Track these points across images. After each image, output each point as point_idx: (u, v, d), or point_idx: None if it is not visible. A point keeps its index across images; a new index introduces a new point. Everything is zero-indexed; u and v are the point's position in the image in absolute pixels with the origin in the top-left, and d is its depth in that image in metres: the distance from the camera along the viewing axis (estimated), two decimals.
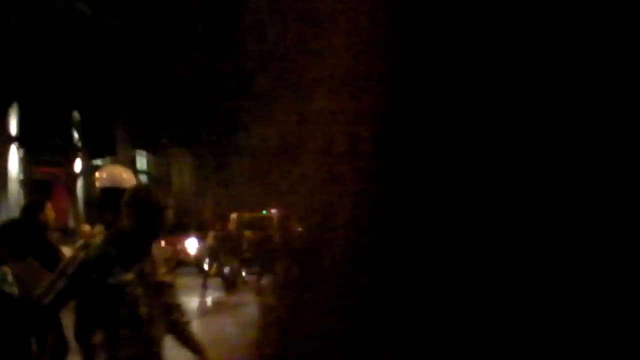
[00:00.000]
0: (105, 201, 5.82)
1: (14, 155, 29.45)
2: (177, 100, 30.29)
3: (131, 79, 28.40)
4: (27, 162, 30.09)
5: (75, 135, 31.03)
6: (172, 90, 29.77)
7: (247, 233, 25.12)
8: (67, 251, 6.50)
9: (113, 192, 5.71)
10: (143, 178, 39.95)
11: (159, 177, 39.79)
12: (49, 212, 5.55)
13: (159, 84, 29.26)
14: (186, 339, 4.81)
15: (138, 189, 5.37)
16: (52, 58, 26.16)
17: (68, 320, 5.58)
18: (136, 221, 4.60)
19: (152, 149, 38.66)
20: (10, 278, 3.08)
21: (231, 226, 24.53)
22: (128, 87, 28.54)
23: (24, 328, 3.63)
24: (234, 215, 26.37)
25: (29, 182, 29.83)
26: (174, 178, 40.74)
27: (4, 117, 28.81)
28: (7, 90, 27.14)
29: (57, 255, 6.21)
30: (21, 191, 28.57)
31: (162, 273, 4.76)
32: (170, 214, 4.93)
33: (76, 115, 30.88)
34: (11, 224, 6.25)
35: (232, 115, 31.35)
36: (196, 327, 6.63)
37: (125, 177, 5.92)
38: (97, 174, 6.03)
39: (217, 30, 30.31)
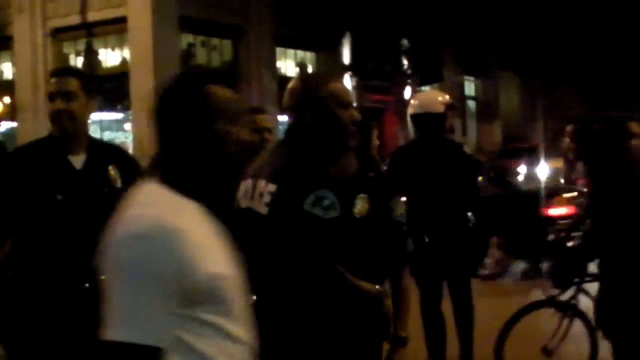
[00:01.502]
0: (416, 126, 5.80)
1: (347, 83, 30.54)
2: (503, 24, 29.49)
3: (458, 4, 28.08)
4: (359, 90, 31.06)
5: (405, 62, 31.50)
6: (498, 14, 29.02)
7: None
8: None
9: (422, 118, 5.66)
10: (471, 103, 39.81)
11: (486, 102, 39.39)
12: (373, 140, 5.55)
13: (485, 8, 28.65)
14: None
15: None
16: None
17: None
18: None
19: (479, 74, 38.27)
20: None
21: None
22: (455, 13, 28.29)
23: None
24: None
25: (361, 108, 30.79)
26: (501, 102, 40.06)
27: (337, 46, 29.92)
28: (340, 21, 28.10)
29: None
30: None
31: None
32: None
33: (405, 42, 31.28)
34: None
35: (560, 36, 30.04)
36: None
37: (437, 102, 5.88)
38: (410, 101, 6.06)
39: None
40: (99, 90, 24.74)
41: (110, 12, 24.20)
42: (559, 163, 24.79)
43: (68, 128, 4.00)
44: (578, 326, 6.07)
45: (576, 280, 5.86)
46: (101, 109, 24.87)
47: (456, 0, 28.01)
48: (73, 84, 4.02)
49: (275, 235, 3.05)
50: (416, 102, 6.03)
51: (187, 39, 25.38)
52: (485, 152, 27.68)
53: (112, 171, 4.06)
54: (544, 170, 26.07)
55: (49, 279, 3.91)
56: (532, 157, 26.99)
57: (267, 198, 3.09)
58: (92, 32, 25.08)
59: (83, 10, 24.62)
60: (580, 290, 5.95)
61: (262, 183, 3.10)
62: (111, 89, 24.69)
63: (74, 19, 24.87)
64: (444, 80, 34.07)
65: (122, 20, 23.84)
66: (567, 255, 5.51)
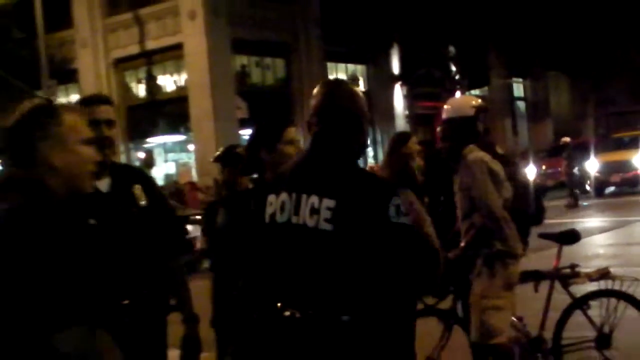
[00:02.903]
0: (447, 130, 5.81)
1: (398, 93, 30.72)
2: (548, 25, 29.37)
3: (501, 9, 28.06)
4: (410, 98, 31.22)
5: (453, 68, 31.54)
6: (542, 15, 28.91)
7: None
8: None
9: (454, 121, 5.71)
10: (520, 104, 39.63)
11: (536, 102, 39.16)
12: (412, 146, 5.67)
13: (529, 11, 28.57)
14: None
15: None
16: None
17: None
18: None
19: (527, 75, 38.08)
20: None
21: None
22: (500, 18, 28.27)
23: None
24: None
25: (413, 116, 31.00)
26: (551, 102, 39.78)
27: (386, 57, 30.12)
28: (387, 33, 28.31)
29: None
30: (407, 125, 29.77)
31: None
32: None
33: (452, 49, 31.35)
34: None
35: (605, 33, 29.79)
36: None
37: (468, 106, 5.87)
38: (444, 107, 6.02)
39: None
40: (161, 114, 25.47)
41: (167, 40, 24.84)
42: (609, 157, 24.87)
43: (108, 154, 3.89)
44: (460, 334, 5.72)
45: (451, 288, 5.71)
46: (164, 132, 25.54)
47: (499, 5, 27.98)
48: (111, 111, 3.97)
49: (356, 251, 2.81)
50: (448, 106, 6.04)
51: (241, 60, 25.86)
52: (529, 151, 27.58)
53: (136, 191, 3.99)
54: (594, 164, 26.11)
55: None
56: (582, 152, 26.95)
57: (326, 214, 2.82)
58: (151, 60, 25.77)
59: (142, 40, 25.31)
60: (458, 298, 5.74)
61: (313, 198, 2.86)
62: (172, 112, 25.31)
63: (134, 49, 25.58)
64: (491, 84, 34.08)
65: (179, 47, 24.44)
66: (450, 264, 5.16)
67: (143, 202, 3.94)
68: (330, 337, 2.80)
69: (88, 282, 2.40)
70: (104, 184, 3.82)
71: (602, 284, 5.70)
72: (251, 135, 4.36)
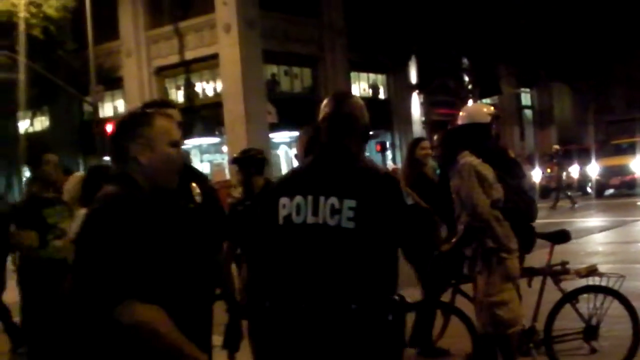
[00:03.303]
0: (463, 136, 5.79)
1: (415, 101, 30.66)
2: (553, 39, 29.17)
3: (512, 24, 27.92)
4: (426, 106, 31.16)
5: (466, 78, 31.44)
6: (547, 30, 28.71)
7: None
8: None
9: (470, 128, 5.69)
10: (527, 112, 39.40)
11: (541, 110, 38.96)
12: (420, 150, 5.68)
13: (536, 27, 28.39)
14: None
15: None
16: (442, 13, 26.62)
17: None
18: None
19: (534, 85, 37.88)
20: None
21: None
22: (510, 32, 28.12)
23: None
24: None
25: (429, 123, 30.93)
26: (555, 110, 39.51)
27: (405, 68, 30.09)
28: (406, 45, 28.30)
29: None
30: (423, 131, 29.72)
31: None
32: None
33: (465, 61, 31.24)
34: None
35: (605, 46, 29.56)
36: None
37: (483, 113, 5.83)
38: (459, 113, 5.99)
39: None
40: (197, 118, 25.61)
41: (204, 51, 25.00)
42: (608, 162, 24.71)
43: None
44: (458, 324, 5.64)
45: (453, 281, 5.63)
46: (200, 134, 25.71)
47: (510, 22, 27.85)
48: (179, 115, 3.87)
49: (376, 243, 2.86)
50: (464, 113, 5.96)
51: (271, 69, 25.95)
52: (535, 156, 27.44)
53: (195, 189, 3.92)
54: (594, 168, 25.95)
55: None
56: (584, 157, 26.83)
57: (349, 213, 2.82)
58: (189, 68, 25.95)
59: (181, 51, 25.49)
60: (457, 291, 5.68)
61: (332, 200, 2.85)
62: (208, 116, 25.44)
63: (174, 58, 25.77)
64: (502, 93, 33.89)
65: (215, 57, 24.59)
66: (442, 257, 5.19)
67: (198, 199, 3.93)
68: (347, 325, 2.80)
69: (160, 262, 2.45)
70: None
71: (590, 280, 5.66)
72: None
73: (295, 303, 2.84)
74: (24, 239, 6.06)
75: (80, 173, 7.05)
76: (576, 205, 21.83)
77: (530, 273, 5.67)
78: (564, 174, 24.06)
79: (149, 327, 2.36)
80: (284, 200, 2.94)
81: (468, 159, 5.14)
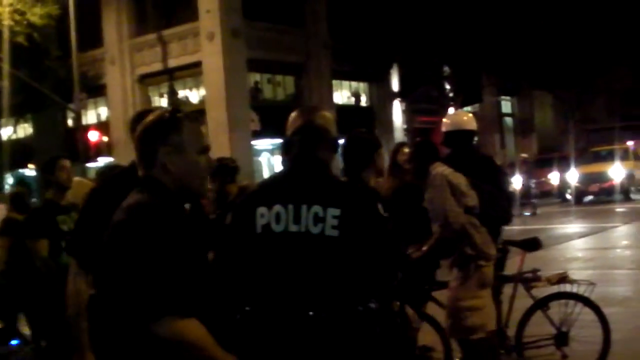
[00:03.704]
0: (448, 142, 5.87)
1: (397, 109, 30.76)
2: (535, 48, 29.39)
3: (493, 32, 28.09)
4: (408, 114, 31.27)
5: (448, 87, 31.57)
6: (530, 38, 28.93)
7: None
8: None
9: (455, 134, 5.76)
10: (508, 120, 39.60)
11: (522, 118, 39.19)
12: (400, 156, 5.74)
13: (518, 35, 28.58)
14: None
15: None
16: (424, 22, 26.75)
17: None
18: None
19: (515, 93, 38.11)
20: None
21: None
22: (491, 42, 28.30)
23: None
24: None
25: (411, 130, 31.02)
26: (536, 118, 39.75)
27: (387, 76, 30.20)
28: (388, 54, 28.41)
29: None
30: (405, 138, 29.79)
31: None
32: None
33: (447, 69, 31.38)
34: None
35: (589, 56, 29.83)
36: None
37: (466, 120, 5.92)
38: (443, 120, 6.07)
39: None
40: None
41: (188, 58, 24.97)
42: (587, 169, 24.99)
43: None
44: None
45: (426, 287, 5.66)
46: None
47: (491, 30, 28.02)
48: None
49: (358, 252, 2.89)
50: (448, 121, 6.05)
51: (254, 77, 25.96)
52: (516, 163, 27.65)
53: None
54: (574, 175, 26.15)
55: None
56: (563, 164, 27.09)
57: (333, 222, 2.85)
58: (173, 76, 25.91)
59: (165, 59, 25.45)
60: (429, 298, 5.71)
61: (316, 208, 2.87)
62: None
63: (157, 66, 25.72)
64: (483, 101, 34.08)
65: (198, 65, 24.56)
66: (414, 265, 5.18)
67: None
68: (335, 333, 2.82)
69: (192, 273, 2.41)
70: None
71: (561, 287, 5.73)
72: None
73: (278, 310, 2.85)
74: (40, 250, 5.86)
75: (78, 178, 6.98)
76: (538, 213, 22.07)
77: (501, 280, 5.73)
78: (533, 182, 24.51)
79: (190, 342, 2.34)
80: (261, 210, 2.94)
81: (439, 169, 5.19)
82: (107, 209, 3.30)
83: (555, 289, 5.73)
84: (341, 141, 3.36)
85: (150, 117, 2.65)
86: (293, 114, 3.17)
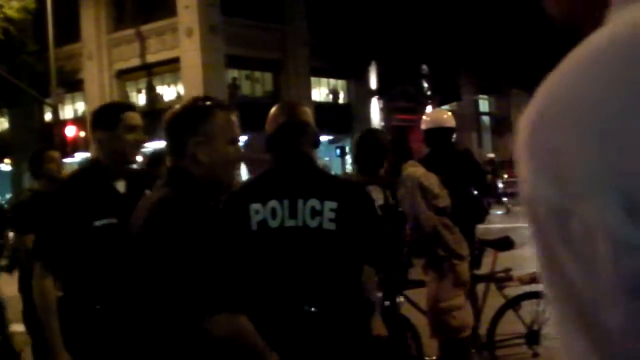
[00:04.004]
0: (429, 140, 5.91)
1: (375, 106, 30.81)
2: (512, 48, 29.55)
3: (471, 31, 28.21)
4: (386, 111, 31.33)
5: (425, 85, 31.68)
6: (509, 37, 29.09)
7: None
8: None
9: (435, 131, 5.81)
10: (485, 119, 39.81)
11: (500, 117, 39.40)
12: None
13: (497, 33, 28.73)
14: None
15: None
16: (403, 20, 26.81)
17: None
18: None
19: (492, 92, 38.33)
20: None
21: None
22: (469, 39, 28.42)
23: None
24: None
25: (388, 128, 31.08)
26: (513, 117, 40.00)
27: (365, 74, 30.24)
28: (367, 52, 28.45)
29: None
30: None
31: None
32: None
33: (425, 67, 31.49)
34: None
35: (562, 56, 30.05)
36: None
37: (445, 118, 5.97)
38: (423, 118, 6.11)
39: None
40: (159, 121, 25.43)
41: (166, 54, 24.85)
42: None
43: (137, 156, 3.78)
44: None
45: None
46: (161, 138, 25.49)
47: (469, 29, 28.13)
48: (139, 119, 3.73)
49: (354, 245, 2.92)
50: (428, 118, 6.10)
51: (232, 73, 25.88)
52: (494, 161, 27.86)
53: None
54: None
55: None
56: None
57: (330, 215, 2.85)
58: (151, 72, 25.78)
59: (142, 54, 25.31)
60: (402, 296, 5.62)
61: (313, 202, 2.86)
62: None
63: (135, 62, 25.57)
64: (461, 100, 34.23)
65: (176, 60, 24.46)
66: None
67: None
68: (337, 328, 2.83)
69: (233, 268, 2.39)
70: (121, 186, 3.66)
71: (532, 287, 5.76)
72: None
73: (278, 307, 2.84)
74: (25, 244, 5.70)
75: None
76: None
77: (474, 280, 5.76)
78: (499, 181, 24.89)
79: (241, 338, 2.34)
80: (255, 206, 2.93)
81: (411, 169, 5.20)
82: (70, 209, 3.44)
83: (527, 288, 5.76)
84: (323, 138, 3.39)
85: (179, 107, 2.62)
86: (274, 110, 3.17)
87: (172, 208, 2.40)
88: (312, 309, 2.82)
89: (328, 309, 2.84)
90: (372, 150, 4.42)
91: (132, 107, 3.91)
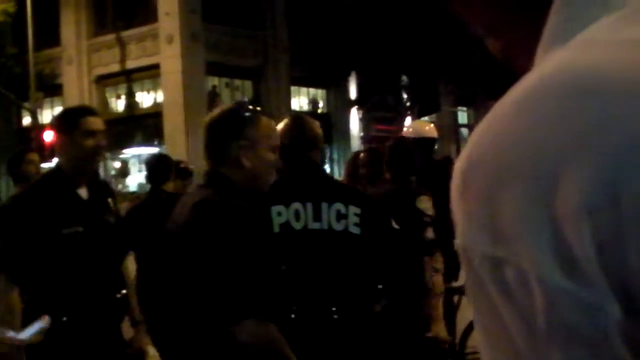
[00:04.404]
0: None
1: (354, 116, 30.87)
2: (490, 61, 29.76)
3: (451, 43, 28.35)
4: (365, 122, 31.41)
5: (405, 96, 31.77)
6: (486, 49, 29.28)
7: None
8: None
9: (417, 142, 5.84)
10: (464, 130, 40.00)
11: None
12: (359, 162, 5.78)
13: (476, 46, 28.89)
14: None
15: None
16: (383, 31, 26.91)
17: None
18: None
19: (471, 104, 38.52)
20: None
21: None
22: (450, 51, 28.55)
23: None
24: None
25: (367, 138, 31.16)
26: None
27: (345, 83, 30.30)
28: (346, 62, 28.50)
29: None
30: (362, 146, 29.91)
31: None
32: None
33: (405, 78, 31.58)
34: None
35: None
36: None
37: (427, 129, 6.02)
38: (404, 129, 6.16)
39: None
40: (137, 127, 25.34)
41: (146, 60, 24.74)
42: None
43: (100, 162, 3.75)
44: None
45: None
46: (139, 144, 25.38)
47: (449, 41, 28.29)
48: (102, 124, 3.68)
49: (376, 251, 3.00)
50: (411, 129, 6.17)
51: (212, 81, 25.82)
52: None
53: (111, 203, 3.77)
54: None
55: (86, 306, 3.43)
56: None
57: (355, 219, 2.90)
58: (130, 78, 25.65)
59: (122, 60, 25.19)
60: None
61: (338, 206, 2.90)
62: (147, 126, 25.18)
63: (115, 67, 25.44)
64: (440, 111, 34.38)
65: (156, 67, 24.34)
66: None
67: (112, 218, 3.79)
68: (361, 330, 2.86)
69: (264, 275, 2.36)
70: (83, 193, 3.60)
71: None
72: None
73: (304, 310, 2.85)
74: None
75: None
76: None
77: (448, 292, 5.77)
78: None
79: (268, 346, 2.31)
80: (277, 208, 2.95)
81: None
82: (35, 217, 3.39)
83: None
84: None
85: (220, 111, 2.61)
86: (286, 123, 3.25)
87: (216, 209, 2.39)
88: (335, 316, 2.82)
89: (351, 314, 2.85)
90: (404, 158, 4.45)
91: (92, 111, 3.84)
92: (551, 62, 0.55)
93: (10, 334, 2.69)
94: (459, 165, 0.56)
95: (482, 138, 0.55)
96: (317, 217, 2.91)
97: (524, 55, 0.65)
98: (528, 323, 0.51)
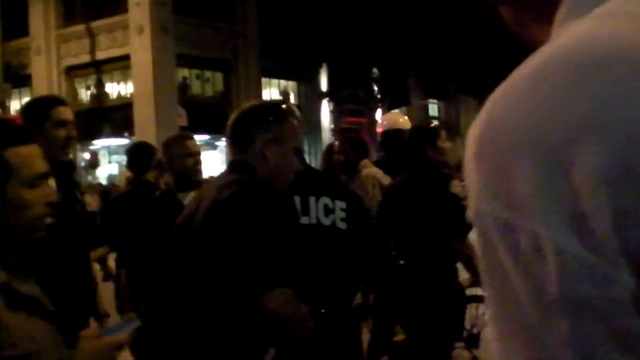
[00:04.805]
0: (385, 142, 5.94)
1: (325, 109, 30.89)
2: (461, 54, 29.95)
3: (421, 36, 28.47)
4: (336, 114, 31.42)
5: (375, 88, 31.87)
6: (457, 43, 29.45)
7: None
8: None
9: (391, 133, 5.84)
10: (435, 123, 40.23)
11: (448, 122, 39.86)
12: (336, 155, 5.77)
13: (447, 39, 29.05)
14: None
15: None
16: (354, 24, 26.94)
17: None
18: None
19: (442, 97, 38.76)
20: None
21: None
22: (420, 44, 28.68)
23: None
24: None
25: (338, 131, 31.17)
26: (462, 122, 40.53)
27: (316, 76, 30.29)
28: (318, 54, 28.50)
29: None
30: (332, 138, 29.93)
31: None
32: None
33: (375, 71, 31.68)
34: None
35: (514, 63, 30.53)
36: None
37: (402, 121, 6.02)
38: (379, 120, 6.17)
39: None
40: (107, 119, 25.11)
41: (116, 51, 24.53)
42: None
43: (70, 152, 3.64)
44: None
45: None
46: (109, 135, 25.18)
47: (420, 34, 28.40)
48: (71, 114, 3.60)
49: (359, 245, 3.00)
50: (385, 121, 6.17)
51: (183, 72, 25.68)
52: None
53: (78, 194, 3.70)
54: None
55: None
56: None
57: (341, 214, 2.90)
58: (100, 69, 25.39)
59: (92, 50, 24.93)
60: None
61: (325, 200, 2.90)
62: (117, 117, 24.96)
63: (85, 58, 25.18)
64: (410, 104, 34.53)
65: (126, 58, 24.15)
66: None
67: (80, 208, 3.72)
68: (345, 324, 2.87)
69: (292, 251, 2.35)
70: (52, 183, 3.51)
71: (472, 290, 5.82)
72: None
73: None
74: None
75: None
76: None
77: None
78: None
79: (294, 318, 2.27)
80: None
81: (370, 169, 5.21)
82: None
83: (467, 292, 5.82)
84: None
85: (251, 104, 2.60)
86: None
87: (258, 187, 2.38)
88: (322, 310, 2.80)
89: (338, 310, 2.85)
90: (416, 147, 4.44)
91: (62, 101, 3.74)
92: (570, 33, 0.55)
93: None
94: (474, 131, 0.56)
95: (499, 105, 0.55)
96: (305, 211, 2.89)
97: (535, 23, 0.65)
98: (539, 291, 0.51)
